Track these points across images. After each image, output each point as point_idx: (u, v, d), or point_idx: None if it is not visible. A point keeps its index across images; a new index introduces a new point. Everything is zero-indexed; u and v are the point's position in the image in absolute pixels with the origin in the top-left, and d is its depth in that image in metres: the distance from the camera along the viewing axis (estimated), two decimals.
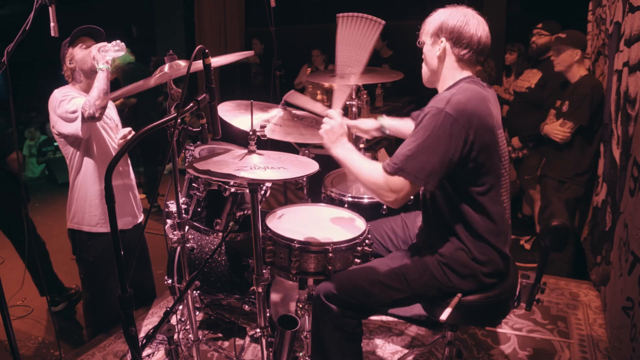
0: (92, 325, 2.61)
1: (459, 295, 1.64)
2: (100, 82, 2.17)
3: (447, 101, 1.50)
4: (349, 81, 1.96)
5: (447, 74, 1.66)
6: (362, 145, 2.78)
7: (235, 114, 2.11)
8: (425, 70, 1.74)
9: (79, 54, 2.30)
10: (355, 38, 1.75)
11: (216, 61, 1.57)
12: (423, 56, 1.73)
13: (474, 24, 1.60)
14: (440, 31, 1.63)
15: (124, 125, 2.56)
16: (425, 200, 1.73)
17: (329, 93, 5.70)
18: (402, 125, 2.04)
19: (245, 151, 1.73)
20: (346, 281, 1.69)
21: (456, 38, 1.60)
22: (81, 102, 2.15)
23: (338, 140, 1.70)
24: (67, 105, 2.18)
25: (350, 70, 1.81)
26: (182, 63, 1.73)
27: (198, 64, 1.41)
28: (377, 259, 1.79)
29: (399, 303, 1.73)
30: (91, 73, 2.29)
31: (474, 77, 1.65)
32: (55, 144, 6.90)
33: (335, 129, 1.70)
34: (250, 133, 1.72)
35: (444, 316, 1.62)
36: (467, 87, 1.58)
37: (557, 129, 3.01)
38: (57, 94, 2.23)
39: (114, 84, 4.60)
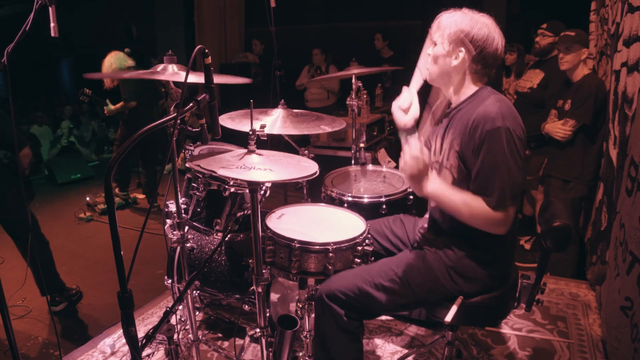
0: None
1: (461, 297, 1.64)
2: None
3: (501, 116, 1.44)
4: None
5: (462, 82, 1.59)
6: (362, 145, 2.77)
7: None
8: (434, 70, 1.63)
9: None
10: None
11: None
12: (432, 55, 1.61)
13: (497, 41, 1.52)
14: (461, 42, 1.52)
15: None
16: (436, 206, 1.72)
17: (329, 92, 5.71)
18: None
19: (245, 151, 1.73)
20: (350, 283, 1.67)
21: (477, 54, 1.52)
22: None
23: (426, 176, 1.53)
24: None
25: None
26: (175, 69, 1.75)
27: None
28: (380, 261, 1.78)
29: (402, 308, 1.73)
30: None
31: (491, 88, 1.60)
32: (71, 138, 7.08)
33: (419, 163, 1.50)
34: (250, 133, 1.72)
35: (448, 318, 1.61)
36: (499, 97, 1.53)
37: (558, 127, 3.00)
38: None
39: (115, 90, 4.61)
